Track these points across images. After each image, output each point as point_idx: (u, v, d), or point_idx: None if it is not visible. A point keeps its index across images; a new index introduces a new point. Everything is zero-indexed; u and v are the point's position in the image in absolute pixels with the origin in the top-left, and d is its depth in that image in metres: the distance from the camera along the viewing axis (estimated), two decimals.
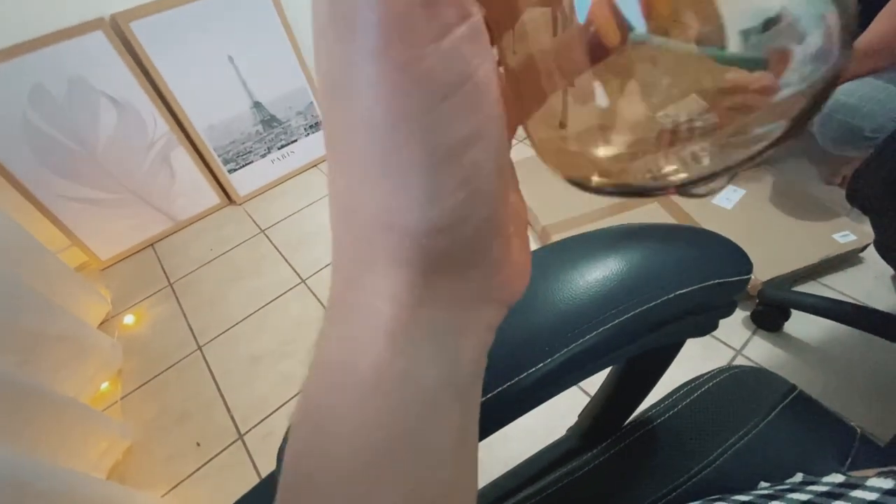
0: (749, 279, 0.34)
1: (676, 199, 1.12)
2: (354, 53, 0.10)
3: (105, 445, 0.95)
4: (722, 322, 0.37)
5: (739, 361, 0.95)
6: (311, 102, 1.65)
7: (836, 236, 1.03)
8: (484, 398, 0.16)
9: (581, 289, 0.30)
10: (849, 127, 0.90)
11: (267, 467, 0.94)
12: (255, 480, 0.93)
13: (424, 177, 0.10)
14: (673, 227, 0.37)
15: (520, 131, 0.15)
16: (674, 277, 0.31)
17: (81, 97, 1.25)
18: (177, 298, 1.34)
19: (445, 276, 0.12)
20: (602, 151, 0.12)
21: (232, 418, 1.04)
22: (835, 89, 0.10)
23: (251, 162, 1.60)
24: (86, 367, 1.07)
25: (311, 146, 1.70)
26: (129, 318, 1.30)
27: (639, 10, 0.10)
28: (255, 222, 1.55)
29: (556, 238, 1.17)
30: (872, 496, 0.23)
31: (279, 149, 1.64)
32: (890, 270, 1.02)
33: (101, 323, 1.29)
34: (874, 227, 0.76)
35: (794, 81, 0.10)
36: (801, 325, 0.96)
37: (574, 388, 0.31)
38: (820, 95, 0.10)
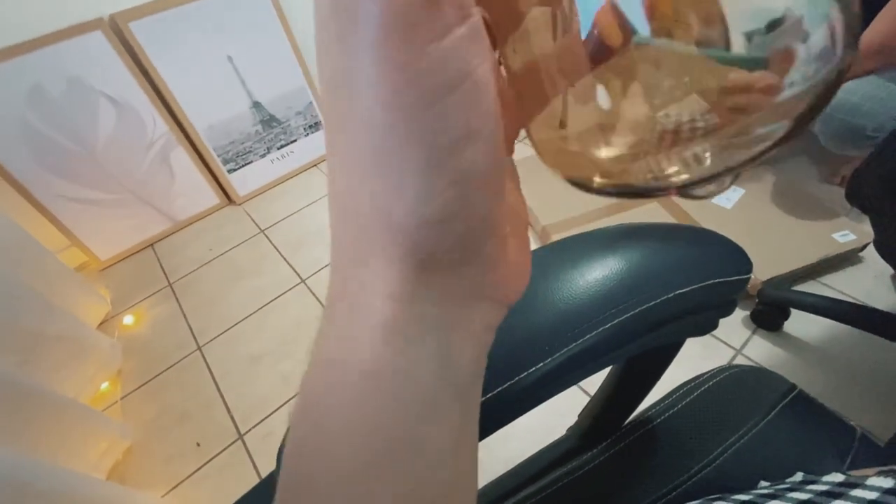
0: (749, 278, 0.34)
1: (676, 198, 1.12)
2: (355, 49, 0.10)
3: (105, 446, 0.95)
4: (722, 321, 0.37)
5: (739, 361, 0.95)
6: (311, 102, 1.65)
7: (836, 236, 1.03)
8: (484, 398, 0.16)
9: (581, 288, 0.30)
10: (850, 126, 0.90)
11: (267, 467, 0.94)
12: (255, 480, 0.93)
13: (419, 173, 0.11)
14: (673, 227, 0.37)
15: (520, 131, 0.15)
16: (674, 277, 0.31)
17: (80, 97, 1.25)
18: (176, 298, 1.34)
19: (439, 273, 0.12)
20: (603, 152, 0.12)
21: (232, 418, 1.04)
22: (838, 89, 0.10)
23: (251, 162, 1.60)
24: (85, 367, 1.07)
25: (311, 146, 1.70)
26: (128, 319, 1.30)
27: (642, 13, 0.10)
28: (254, 222, 1.55)
29: (555, 238, 1.17)
30: (872, 495, 0.23)
31: (279, 149, 1.64)
32: (889, 270, 1.02)
33: (101, 323, 1.29)
34: (874, 226, 0.76)
35: (797, 81, 0.10)
36: (800, 324, 0.96)
37: (574, 388, 0.31)
38: (823, 95, 0.10)
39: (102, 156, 1.33)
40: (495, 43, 0.12)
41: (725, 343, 0.97)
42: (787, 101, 0.10)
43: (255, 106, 1.54)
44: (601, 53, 0.10)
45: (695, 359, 0.94)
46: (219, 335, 1.22)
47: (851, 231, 1.03)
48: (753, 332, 0.98)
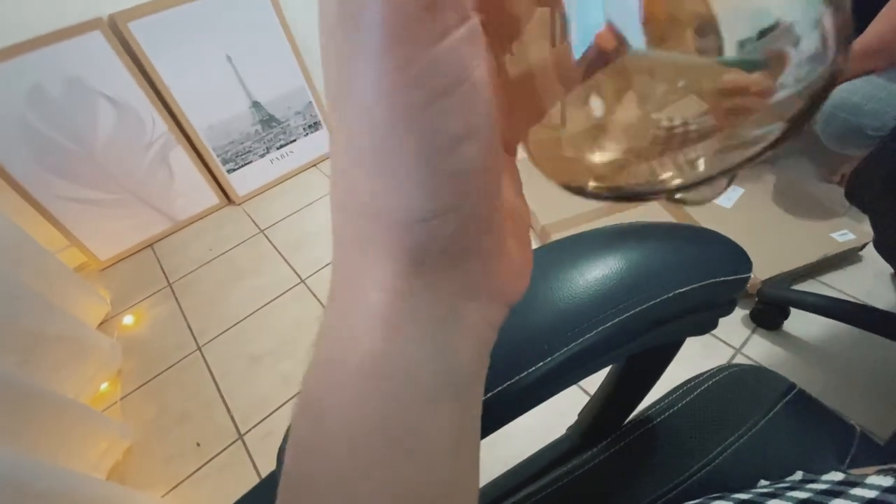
0: (748, 278, 0.34)
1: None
2: (360, 52, 0.10)
3: (105, 446, 0.95)
4: (721, 320, 0.37)
5: (739, 360, 0.95)
6: (310, 102, 1.65)
7: (836, 235, 1.03)
8: (484, 397, 0.16)
9: (581, 288, 0.30)
10: (851, 125, 0.90)
11: (267, 467, 0.95)
12: (255, 480, 0.93)
13: (415, 169, 0.11)
14: (672, 226, 0.37)
15: None
16: (673, 276, 0.31)
17: (79, 97, 1.25)
18: (176, 299, 1.34)
19: (435, 268, 0.12)
20: (598, 157, 0.12)
21: (232, 418, 1.04)
22: (833, 89, 0.10)
23: (250, 162, 1.60)
24: (85, 367, 1.07)
25: (310, 146, 1.70)
26: (128, 319, 1.29)
27: (640, 28, 0.10)
28: (254, 222, 1.55)
29: (555, 237, 1.17)
30: (872, 494, 0.23)
31: (278, 148, 1.64)
32: (889, 269, 1.02)
33: (101, 323, 1.29)
34: (873, 225, 0.76)
35: (790, 83, 0.10)
36: (800, 323, 0.96)
37: (574, 387, 0.31)
38: (818, 96, 0.10)
39: (102, 156, 1.33)
40: (494, 47, 0.12)
41: (725, 342, 0.97)
42: (780, 102, 0.10)
43: (255, 106, 1.54)
44: (596, 63, 0.11)
45: (694, 358, 0.94)
46: (218, 335, 1.22)
47: (851, 230, 1.03)
48: (753, 332, 0.98)
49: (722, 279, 0.32)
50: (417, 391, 0.13)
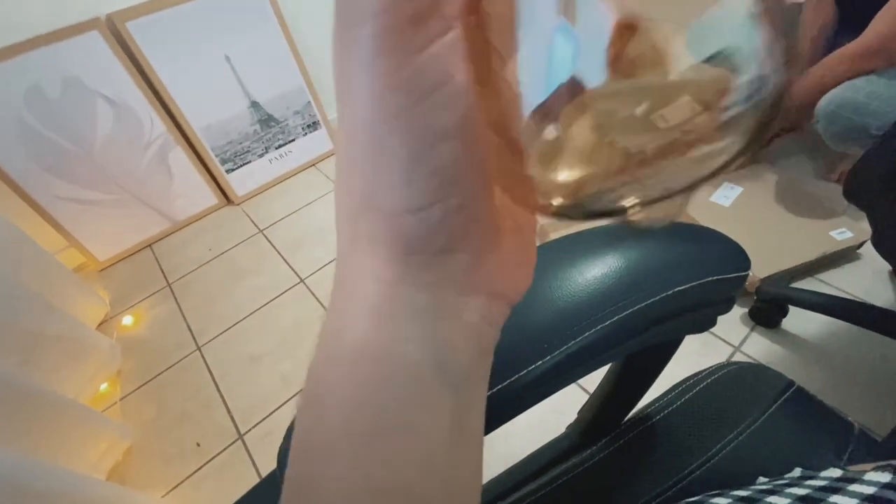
0: (747, 276, 0.34)
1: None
2: (355, 58, 0.12)
3: (105, 446, 0.95)
4: (720, 318, 0.37)
5: (738, 358, 0.95)
6: (309, 102, 1.65)
7: (834, 233, 1.03)
8: None
9: (580, 286, 0.30)
10: (855, 124, 0.90)
11: (267, 467, 0.95)
12: (255, 480, 0.93)
13: (403, 163, 0.12)
14: (671, 225, 0.37)
15: None
16: (672, 274, 0.31)
17: (78, 97, 1.25)
18: (175, 299, 1.34)
19: (425, 259, 0.13)
20: (560, 176, 0.12)
21: (232, 418, 1.04)
22: (783, 103, 0.10)
23: (249, 162, 1.59)
24: (85, 367, 1.07)
25: (309, 146, 1.70)
26: (127, 319, 1.29)
27: (604, 73, 0.10)
28: (253, 222, 1.55)
29: (554, 236, 1.17)
30: (870, 490, 0.23)
31: (277, 148, 1.64)
32: (887, 267, 1.02)
33: (100, 324, 1.29)
34: (871, 223, 0.77)
35: (739, 101, 0.10)
36: (798, 321, 0.96)
37: (573, 386, 0.31)
38: (771, 108, 0.10)
39: (100, 156, 1.33)
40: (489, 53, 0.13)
41: (724, 340, 0.98)
42: (732, 119, 0.10)
43: (253, 105, 1.54)
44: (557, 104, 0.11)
45: (693, 356, 0.95)
46: (218, 335, 1.22)
47: (849, 229, 1.03)
48: (752, 330, 0.98)
49: (720, 277, 0.33)
50: (403, 369, 0.13)
